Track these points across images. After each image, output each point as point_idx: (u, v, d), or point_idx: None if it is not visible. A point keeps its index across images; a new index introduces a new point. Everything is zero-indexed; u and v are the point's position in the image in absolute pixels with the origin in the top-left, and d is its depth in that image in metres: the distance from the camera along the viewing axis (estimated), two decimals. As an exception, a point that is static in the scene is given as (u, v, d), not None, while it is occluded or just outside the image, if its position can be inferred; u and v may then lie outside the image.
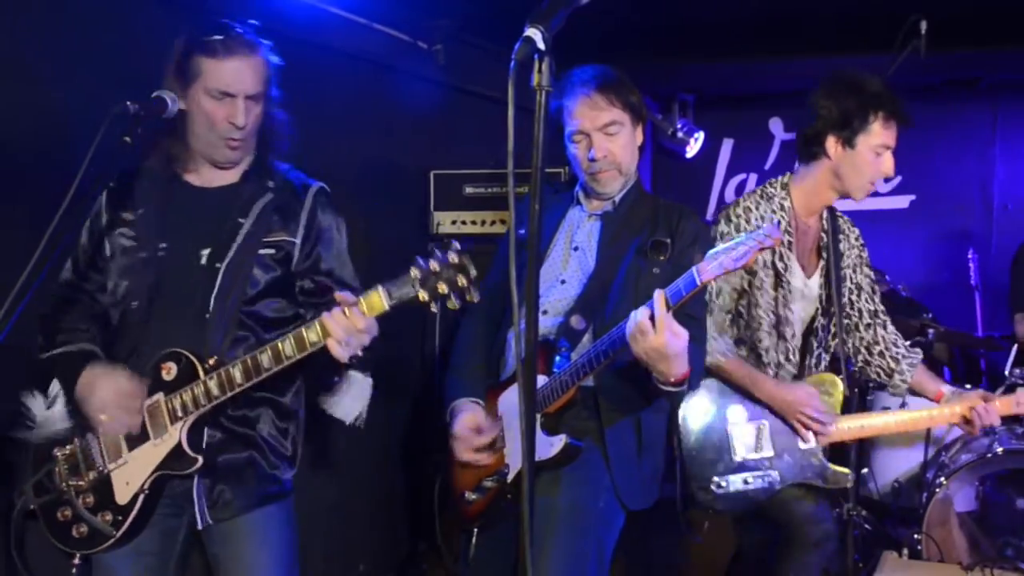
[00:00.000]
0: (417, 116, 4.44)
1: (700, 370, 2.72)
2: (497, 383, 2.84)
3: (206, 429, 2.41)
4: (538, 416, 2.52)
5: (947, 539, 4.03)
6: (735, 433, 3.08)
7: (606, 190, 2.84)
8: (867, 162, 3.11)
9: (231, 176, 2.56)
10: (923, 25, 4.27)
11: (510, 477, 2.65)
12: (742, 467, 3.07)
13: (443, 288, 2.14)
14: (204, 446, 2.39)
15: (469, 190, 4.46)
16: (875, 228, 6.18)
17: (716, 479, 3.05)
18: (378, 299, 2.20)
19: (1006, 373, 4.22)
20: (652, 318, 2.36)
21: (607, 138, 2.76)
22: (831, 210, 3.30)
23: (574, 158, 2.84)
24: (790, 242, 3.15)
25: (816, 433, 3.09)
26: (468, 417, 2.75)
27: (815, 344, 3.26)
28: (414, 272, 2.15)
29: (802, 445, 3.11)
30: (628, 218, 2.84)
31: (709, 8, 4.72)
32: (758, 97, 6.33)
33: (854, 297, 3.34)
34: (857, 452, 4.37)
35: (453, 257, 2.15)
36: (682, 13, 4.67)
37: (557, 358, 2.65)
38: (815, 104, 3.13)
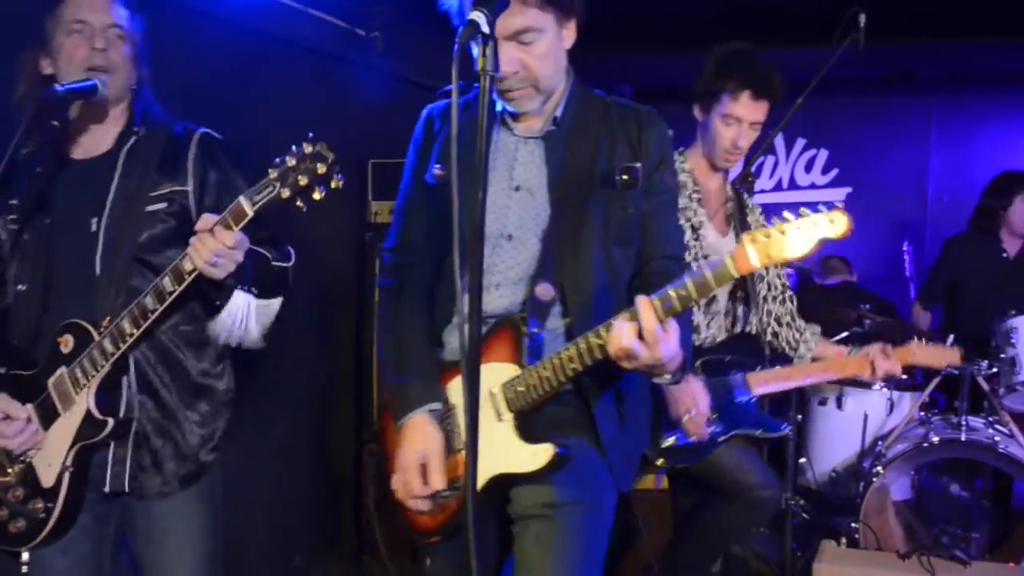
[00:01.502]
0: (355, 104, 4.37)
1: (691, 350, 2.44)
2: (441, 363, 2.32)
3: (124, 394, 2.36)
4: (511, 418, 2.16)
5: (884, 527, 4.08)
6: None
7: (524, 109, 2.23)
8: (717, 130, 3.20)
9: (109, 142, 2.48)
10: (862, 18, 4.29)
11: (478, 485, 2.14)
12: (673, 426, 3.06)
13: (303, 180, 2.03)
14: (118, 411, 2.35)
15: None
16: (813, 220, 6.26)
17: (661, 435, 3.04)
18: (241, 208, 2.11)
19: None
20: (640, 333, 1.93)
21: (520, 48, 2.11)
22: (733, 187, 3.41)
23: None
24: (699, 198, 3.21)
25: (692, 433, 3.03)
26: (417, 444, 2.22)
27: (740, 312, 3.31)
28: (272, 172, 2.06)
29: (739, 399, 3.13)
30: (578, 135, 2.25)
31: (646, 1, 4.72)
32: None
33: (764, 272, 3.37)
34: (795, 442, 4.44)
35: (307, 147, 2.04)
36: (619, 5, 4.65)
37: (526, 341, 2.16)
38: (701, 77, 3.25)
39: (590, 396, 2.21)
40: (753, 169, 4.30)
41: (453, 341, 2.29)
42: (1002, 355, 4.26)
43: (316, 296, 4.21)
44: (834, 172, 6.64)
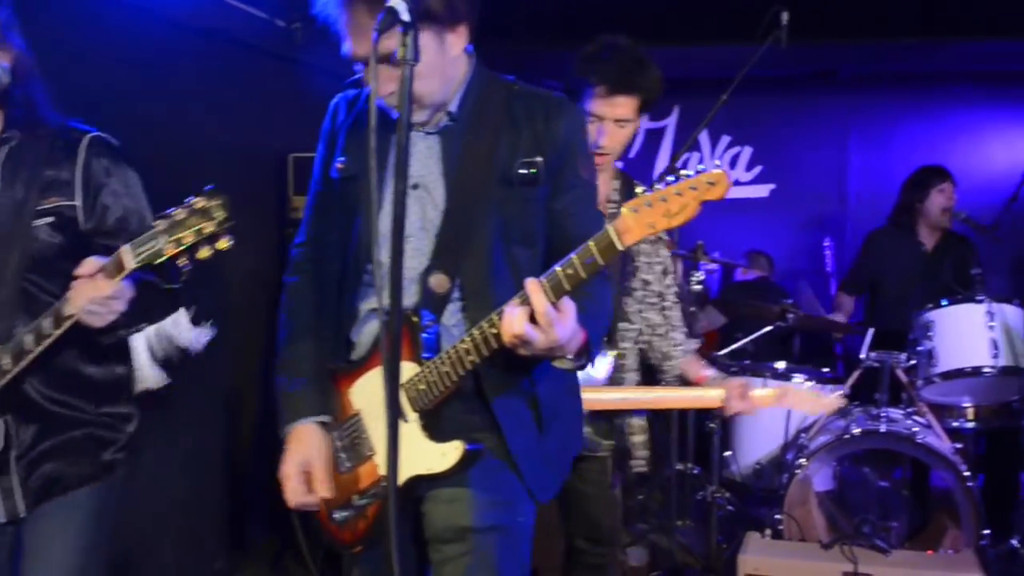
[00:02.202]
0: (275, 97, 4.29)
1: (599, 336, 2.18)
2: (348, 365, 2.23)
3: (17, 416, 2.26)
4: (416, 418, 2.07)
5: (807, 518, 4.13)
6: None
7: (415, 121, 2.11)
8: (587, 129, 2.92)
9: None
10: (784, 16, 4.35)
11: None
12: None
13: (189, 237, 1.93)
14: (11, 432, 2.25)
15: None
16: (737, 217, 6.35)
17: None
18: (121, 260, 2.01)
19: (861, 357, 4.33)
20: (533, 317, 1.86)
21: (395, 69, 1.90)
22: (625, 177, 3.19)
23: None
24: None
25: None
26: (300, 451, 2.17)
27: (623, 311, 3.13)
28: (159, 223, 1.95)
29: None
30: (476, 128, 2.13)
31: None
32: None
33: (648, 276, 3.17)
34: (721, 435, 4.48)
35: (198, 201, 1.94)
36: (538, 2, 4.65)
37: (423, 336, 2.08)
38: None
39: (495, 402, 2.11)
40: (679, 164, 4.34)
41: (363, 340, 2.22)
42: (920, 348, 4.34)
43: (234, 295, 4.11)
44: (758, 169, 6.72)
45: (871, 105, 6.71)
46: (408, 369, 2.06)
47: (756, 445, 4.48)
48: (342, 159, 2.21)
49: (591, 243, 1.84)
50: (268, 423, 4.36)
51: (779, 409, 4.38)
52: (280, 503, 2.23)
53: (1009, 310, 4.30)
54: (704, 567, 4.41)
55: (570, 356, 1.97)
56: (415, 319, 2.07)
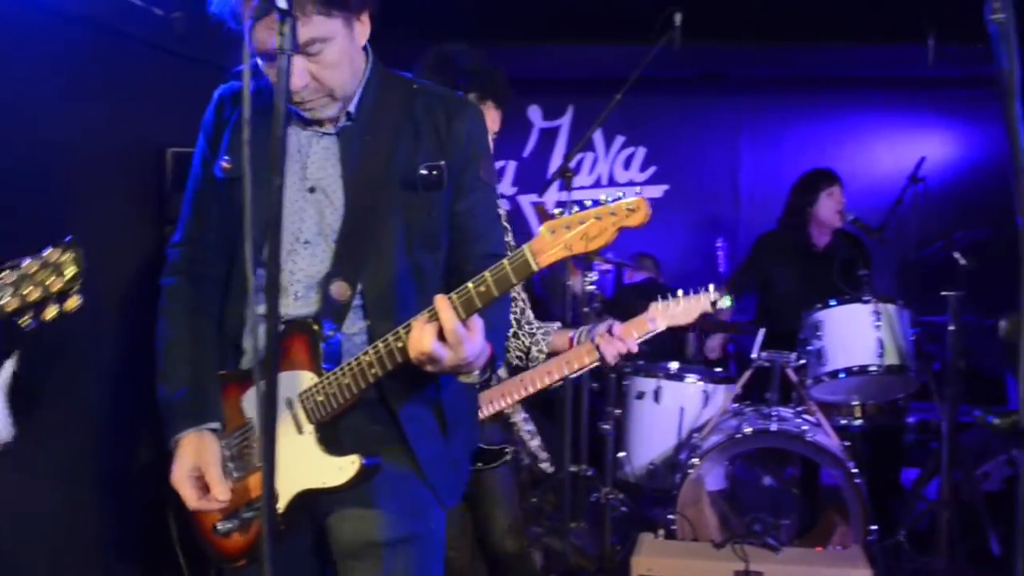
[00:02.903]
0: (153, 89, 4.09)
1: (502, 348, 2.16)
2: (239, 373, 2.13)
3: None
4: (313, 430, 2.00)
5: (699, 518, 4.14)
6: None
7: (322, 116, 2.05)
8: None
9: None
10: (678, 17, 4.37)
11: (281, 504, 2.01)
12: None
13: (35, 293, 1.75)
14: None
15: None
16: (632, 217, 6.37)
17: None
18: None
19: (753, 357, 4.37)
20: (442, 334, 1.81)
21: (307, 60, 1.94)
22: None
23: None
24: None
25: None
26: (190, 457, 2.05)
27: None
28: (5, 274, 1.78)
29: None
30: (376, 128, 2.07)
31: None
32: (516, 84, 6.36)
33: None
34: (614, 436, 4.47)
35: (52, 253, 1.77)
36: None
37: (324, 345, 2.01)
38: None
39: (400, 411, 2.04)
40: (572, 165, 4.32)
41: (253, 347, 2.09)
42: (809, 347, 4.41)
43: (108, 297, 3.91)
44: (652, 170, 6.77)
45: (762, 107, 6.82)
46: (306, 379, 1.99)
47: (650, 446, 4.48)
48: (227, 158, 2.10)
49: (505, 262, 1.81)
50: (151, 431, 4.18)
51: (672, 410, 4.43)
52: (162, 515, 2.10)
53: (894, 310, 4.41)
54: (598, 569, 4.39)
55: (476, 372, 1.94)
56: (316, 328, 1.99)
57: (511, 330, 3.07)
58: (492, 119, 2.89)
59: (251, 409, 2.09)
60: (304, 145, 2.08)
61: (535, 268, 1.80)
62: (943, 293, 4.55)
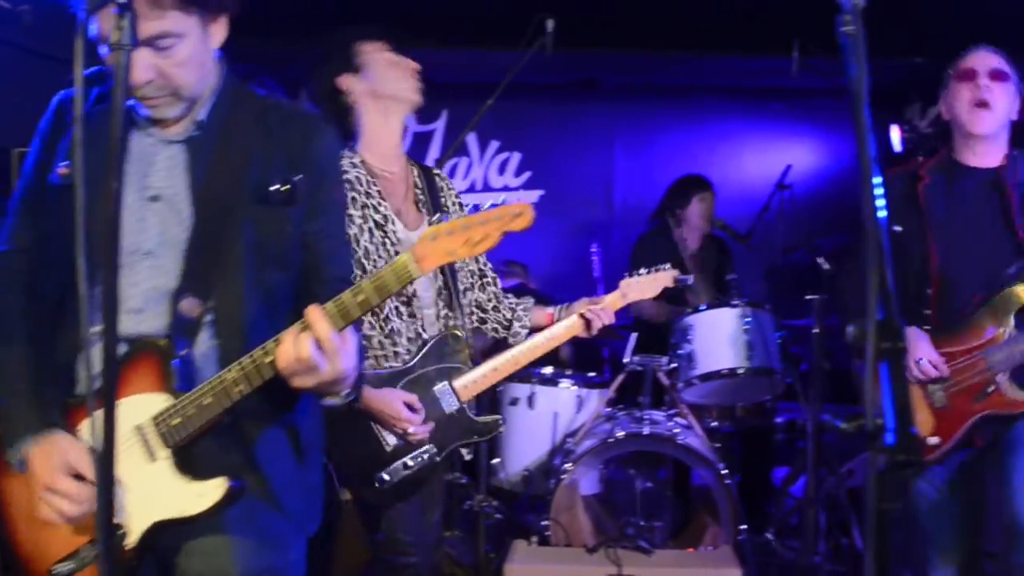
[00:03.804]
0: (-1, 86, 3.91)
1: (362, 363, 2.08)
2: (77, 399, 1.97)
3: None
4: (168, 455, 1.88)
5: (573, 523, 4.15)
6: (379, 429, 2.91)
7: (164, 116, 1.97)
8: (389, 69, 2.95)
9: None
10: (550, 24, 4.38)
11: (132, 538, 1.87)
12: (397, 454, 2.90)
13: None
14: None
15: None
16: (507, 222, 6.38)
17: (379, 474, 2.87)
18: None
19: (625, 361, 4.41)
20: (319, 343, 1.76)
21: (156, 54, 1.86)
22: (423, 167, 3.16)
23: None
24: (379, 191, 2.93)
25: (408, 434, 2.90)
26: (54, 457, 1.87)
27: (443, 311, 3.08)
28: None
29: (447, 409, 2.96)
30: (227, 140, 1.99)
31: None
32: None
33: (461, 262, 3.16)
34: (488, 443, 4.44)
35: None
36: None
37: (176, 366, 1.90)
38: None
39: (254, 433, 1.96)
40: (447, 170, 4.29)
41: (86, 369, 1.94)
42: (680, 351, 4.48)
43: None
44: (527, 175, 6.80)
45: (635, 114, 6.93)
46: (158, 402, 1.88)
47: (524, 452, 4.46)
48: (67, 163, 1.97)
49: (387, 268, 1.79)
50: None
51: (546, 415, 4.43)
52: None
53: (762, 314, 4.52)
54: (472, 578, 4.36)
55: (345, 391, 1.90)
56: (165, 346, 1.89)
57: (490, 305, 3.21)
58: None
59: (92, 437, 1.92)
60: (148, 152, 1.99)
61: (416, 274, 1.80)
62: (808, 297, 4.68)
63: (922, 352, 2.99)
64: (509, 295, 3.32)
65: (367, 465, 2.87)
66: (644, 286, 3.39)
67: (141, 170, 1.97)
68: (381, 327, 2.89)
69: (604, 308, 3.20)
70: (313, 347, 1.75)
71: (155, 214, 1.96)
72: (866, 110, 1.35)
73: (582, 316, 3.18)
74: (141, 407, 1.87)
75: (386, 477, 2.85)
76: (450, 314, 3.05)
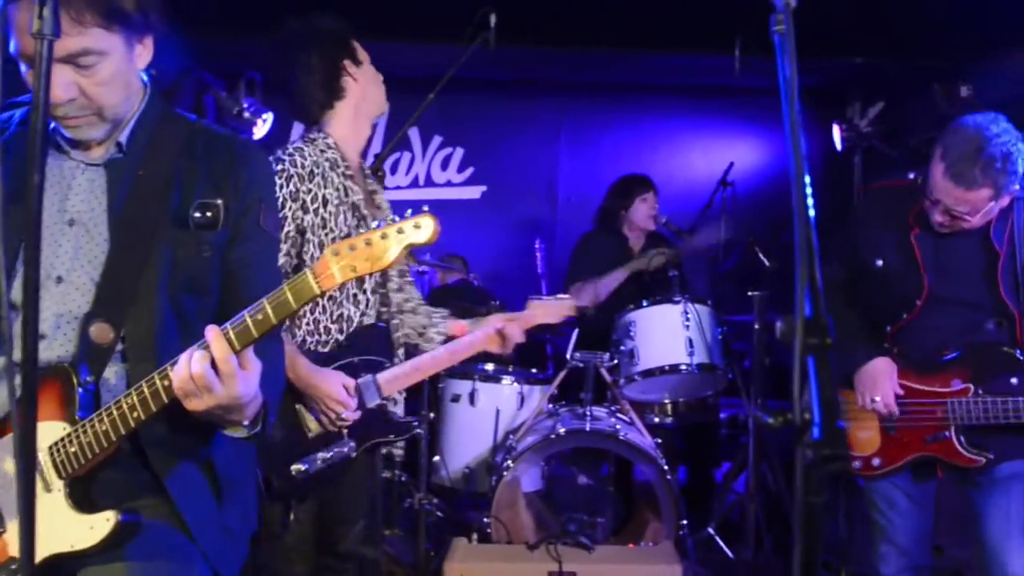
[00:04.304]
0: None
1: (278, 398, 2.02)
2: None
3: None
4: (62, 486, 1.81)
5: (515, 520, 4.14)
6: (303, 411, 2.86)
7: (85, 138, 1.92)
8: (374, 84, 3.06)
9: None
10: (492, 19, 4.35)
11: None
12: (315, 444, 2.85)
13: None
14: None
15: None
16: (448, 217, 6.33)
17: (295, 466, 2.81)
18: None
19: (567, 357, 4.42)
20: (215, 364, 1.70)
21: (77, 72, 1.81)
22: (366, 168, 3.19)
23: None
24: (351, 175, 2.94)
25: (340, 419, 2.86)
26: None
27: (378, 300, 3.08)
28: None
29: (368, 403, 2.92)
30: (149, 164, 1.94)
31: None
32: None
33: None
34: (428, 440, 4.42)
35: None
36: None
37: (80, 393, 1.84)
38: (296, 59, 2.94)
39: (162, 467, 1.88)
40: (389, 165, 4.24)
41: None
42: (622, 348, 4.49)
43: None
44: (470, 171, 6.76)
45: (579, 111, 6.93)
46: (56, 430, 1.81)
47: (465, 449, 4.44)
48: None
49: (285, 287, 1.72)
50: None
51: (488, 412, 4.42)
52: None
53: (703, 310, 4.53)
54: (412, 576, 4.33)
55: (246, 422, 1.81)
56: (71, 373, 1.82)
57: (408, 307, 3.13)
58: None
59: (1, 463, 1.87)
60: (67, 176, 1.92)
61: (317, 292, 1.72)
62: (749, 293, 4.72)
63: (880, 391, 3.01)
64: (424, 304, 3.28)
65: (282, 450, 2.77)
66: (550, 310, 3.38)
67: (59, 194, 1.91)
68: (331, 313, 2.87)
69: (517, 324, 3.21)
70: (207, 367, 1.69)
71: (69, 239, 1.90)
72: (798, 109, 1.35)
73: (499, 331, 3.18)
74: (40, 435, 1.73)
75: (303, 467, 2.78)
76: (383, 309, 3.03)
